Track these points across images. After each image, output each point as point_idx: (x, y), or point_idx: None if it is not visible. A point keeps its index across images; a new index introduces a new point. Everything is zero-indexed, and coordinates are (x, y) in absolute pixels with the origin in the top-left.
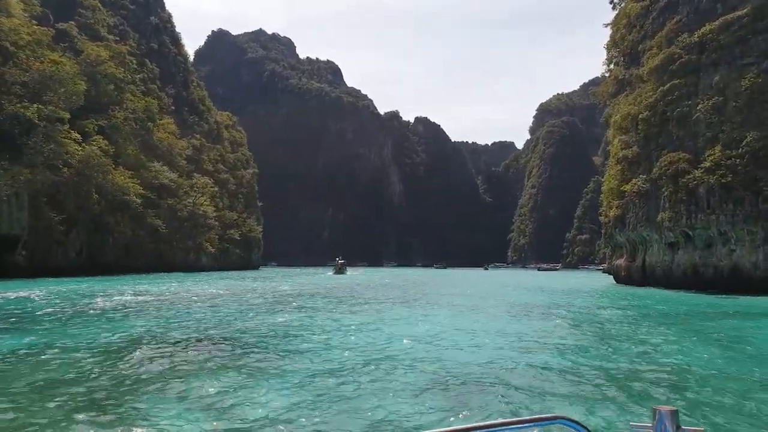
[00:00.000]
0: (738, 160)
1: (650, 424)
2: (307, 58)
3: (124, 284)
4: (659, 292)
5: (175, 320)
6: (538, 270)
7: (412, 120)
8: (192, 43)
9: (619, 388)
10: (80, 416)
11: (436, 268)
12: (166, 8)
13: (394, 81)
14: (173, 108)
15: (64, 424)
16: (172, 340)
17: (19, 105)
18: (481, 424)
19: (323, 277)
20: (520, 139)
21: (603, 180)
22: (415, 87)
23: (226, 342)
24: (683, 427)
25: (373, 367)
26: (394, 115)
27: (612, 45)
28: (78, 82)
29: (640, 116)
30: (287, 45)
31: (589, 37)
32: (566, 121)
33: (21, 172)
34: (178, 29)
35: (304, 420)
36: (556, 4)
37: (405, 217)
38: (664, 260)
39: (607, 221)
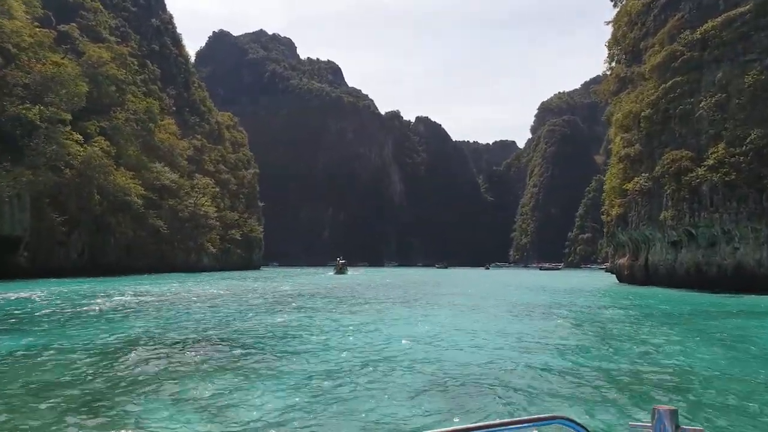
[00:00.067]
0: (742, 158)
1: (649, 424)
2: (308, 58)
3: (125, 285)
4: (662, 291)
5: (174, 321)
6: (540, 269)
7: (412, 120)
8: (193, 44)
9: (620, 389)
10: (73, 419)
11: (438, 267)
12: (168, 10)
13: (394, 81)
14: (174, 109)
15: (56, 427)
16: (170, 341)
17: (21, 106)
18: (480, 424)
19: (324, 277)
20: (520, 138)
21: (605, 178)
22: (415, 87)
23: (224, 343)
24: (683, 426)
25: (371, 368)
26: (394, 115)
27: (613, 43)
28: (80, 83)
29: (642, 114)
30: (288, 45)
31: (589, 37)
32: (568, 120)
33: (23, 174)
34: (179, 30)
35: (297, 423)
36: (556, 4)
37: (406, 216)
38: (667, 259)
39: (610, 220)
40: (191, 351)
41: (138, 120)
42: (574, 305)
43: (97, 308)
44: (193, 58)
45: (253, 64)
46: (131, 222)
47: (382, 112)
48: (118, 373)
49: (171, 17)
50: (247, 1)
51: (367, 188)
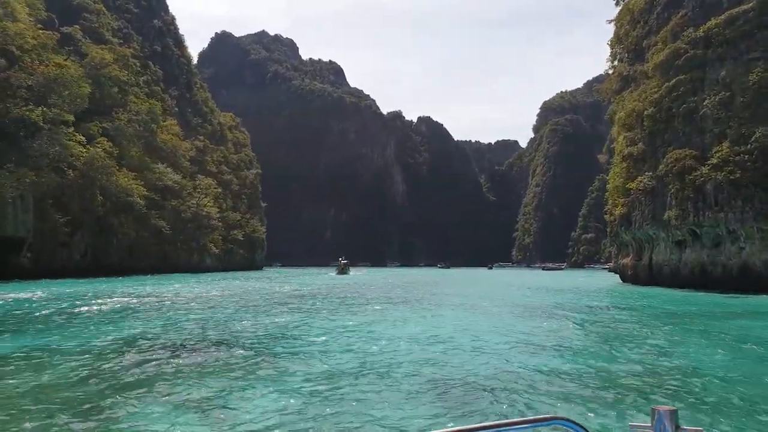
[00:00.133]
0: (747, 156)
1: (649, 424)
2: (310, 59)
3: (127, 285)
4: (666, 291)
5: (174, 322)
6: (543, 270)
7: (414, 120)
8: (195, 45)
9: (621, 390)
10: (73, 419)
11: (440, 267)
12: (170, 11)
13: (393, 81)
14: (177, 110)
15: (56, 427)
16: (170, 342)
17: (24, 108)
18: (480, 425)
19: (326, 277)
20: (520, 138)
21: (608, 178)
22: (414, 87)
23: (223, 344)
24: (682, 426)
25: (371, 368)
26: (396, 115)
27: (616, 41)
28: (82, 84)
29: (645, 113)
30: (290, 46)
31: (588, 37)
32: (570, 119)
33: (26, 175)
34: (181, 32)
35: (295, 425)
36: (554, 4)
37: (408, 216)
38: (671, 259)
39: (613, 220)
40: (192, 352)
41: (140, 121)
42: (577, 306)
43: (98, 309)
44: (195, 60)
45: (256, 64)
46: (134, 223)
47: (384, 113)
48: (117, 374)
49: (173, 18)
50: (249, 3)
51: (369, 188)
